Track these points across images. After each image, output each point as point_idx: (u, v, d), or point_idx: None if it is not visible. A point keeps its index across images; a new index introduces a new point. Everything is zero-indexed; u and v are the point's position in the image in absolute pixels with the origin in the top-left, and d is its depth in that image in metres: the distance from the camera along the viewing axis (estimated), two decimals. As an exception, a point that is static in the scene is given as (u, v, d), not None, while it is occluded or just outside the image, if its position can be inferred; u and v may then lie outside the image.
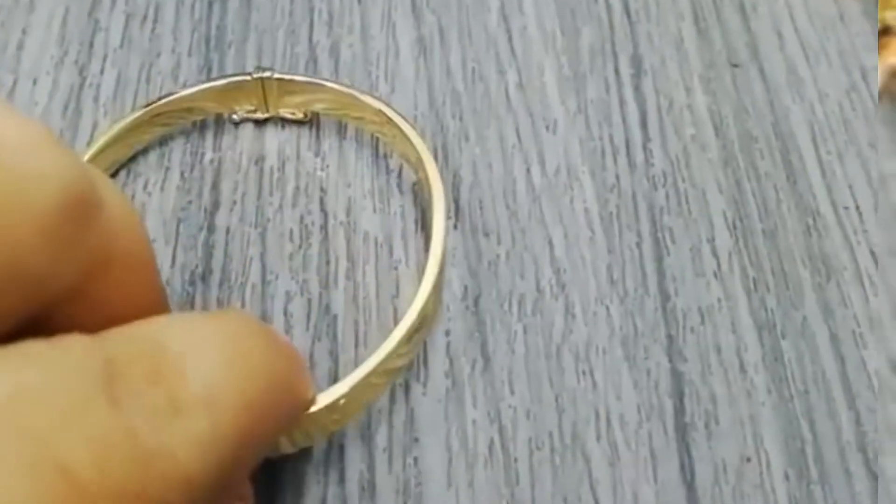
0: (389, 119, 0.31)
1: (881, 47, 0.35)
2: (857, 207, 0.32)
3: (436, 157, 0.33)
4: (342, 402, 0.25)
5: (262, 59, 0.35)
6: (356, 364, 0.28)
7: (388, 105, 0.31)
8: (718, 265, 0.31)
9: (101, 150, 0.31)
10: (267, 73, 0.32)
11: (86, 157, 0.31)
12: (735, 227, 0.32)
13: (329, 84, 0.32)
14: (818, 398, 0.29)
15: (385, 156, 0.33)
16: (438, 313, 0.29)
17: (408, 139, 0.31)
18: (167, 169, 0.32)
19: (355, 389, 0.25)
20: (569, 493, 0.27)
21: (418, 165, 0.30)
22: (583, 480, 0.27)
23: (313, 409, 0.24)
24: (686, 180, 0.33)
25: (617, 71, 0.35)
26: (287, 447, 0.25)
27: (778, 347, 0.29)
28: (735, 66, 0.36)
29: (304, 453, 0.27)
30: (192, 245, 0.31)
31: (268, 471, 0.27)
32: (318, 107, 0.33)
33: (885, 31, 0.35)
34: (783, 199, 0.32)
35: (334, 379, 0.28)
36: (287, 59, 0.35)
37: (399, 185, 0.32)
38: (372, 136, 0.33)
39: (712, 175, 0.33)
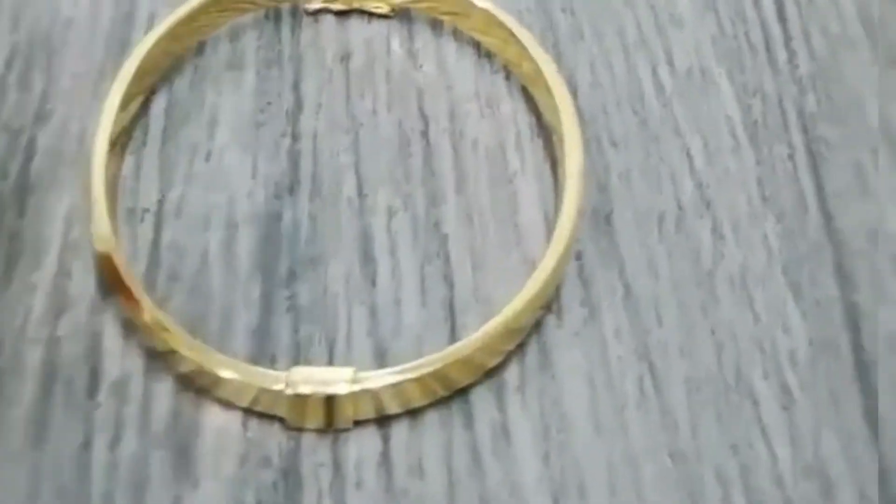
0: (499, 22, 0.27)
1: None
2: None
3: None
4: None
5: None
6: (475, 288, 0.24)
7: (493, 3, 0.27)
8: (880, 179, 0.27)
9: (161, 41, 0.27)
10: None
11: (143, 49, 0.26)
12: (898, 137, 0.28)
13: None
14: None
15: (489, 54, 0.28)
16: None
17: (525, 51, 0.26)
18: (240, 65, 0.28)
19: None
20: (739, 441, 0.23)
21: (542, 93, 0.26)
22: (752, 426, 0.23)
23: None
24: (837, 82, 0.28)
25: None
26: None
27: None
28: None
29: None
30: (275, 154, 0.26)
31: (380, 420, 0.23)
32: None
33: None
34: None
35: (450, 307, 0.24)
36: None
37: (508, 87, 0.28)
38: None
39: (867, 79, 0.29)
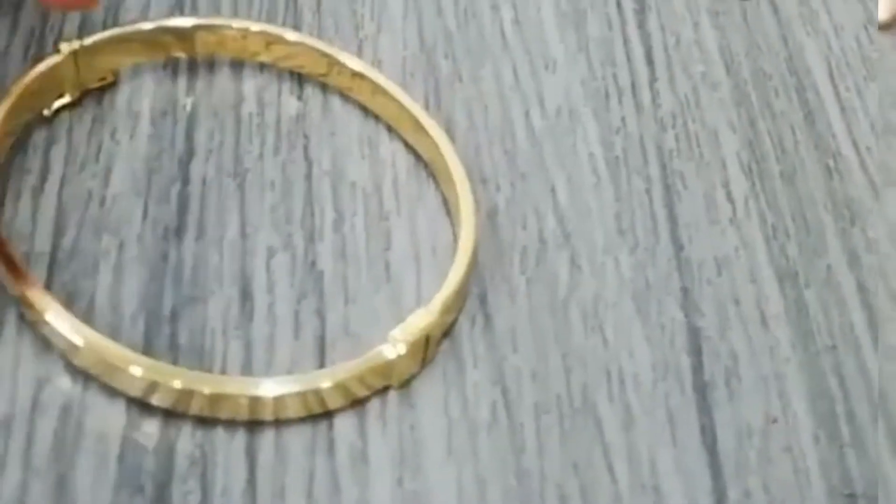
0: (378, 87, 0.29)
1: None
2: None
3: (426, 101, 0.30)
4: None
5: (237, -4, 0.32)
6: (345, 324, 0.26)
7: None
8: (734, 211, 0.29)
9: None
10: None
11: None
12: (750, 171, 0.30)
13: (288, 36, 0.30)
14: (847, 353, 0.26)
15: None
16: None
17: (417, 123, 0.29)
18: (137, 115, 0.30)
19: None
20: (580, 460, 0.25)
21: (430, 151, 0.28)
22: (595, 446, 0.25)
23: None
24: (696, 121, 0.30)
25: (619, 6, 0.33)
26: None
27: (801, 299, 0.27)
28: (745, -1, 0.33)
29: (289, 422, 0.25)
30: (165, 198, 0.28)
31: (251, 445, 0.24)
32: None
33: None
34: (801, 140, 0.30)
35: (321, 339, 0.26)
36: (264, -3, 0.32)
37: (388, 131, 0.30)
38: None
39: (724, 115, 0.31)
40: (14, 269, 0.25)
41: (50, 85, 0.29)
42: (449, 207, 0.28)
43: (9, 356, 0.25)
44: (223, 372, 0.25)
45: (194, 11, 0.31)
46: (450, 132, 0.29)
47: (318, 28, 0.32)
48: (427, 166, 0.29)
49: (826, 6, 0.33)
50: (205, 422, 0.24)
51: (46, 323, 0.25)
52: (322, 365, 0.26)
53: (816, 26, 0.33)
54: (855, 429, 0.25)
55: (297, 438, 0.25)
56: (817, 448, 0.25)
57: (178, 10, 0.31)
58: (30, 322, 0.25)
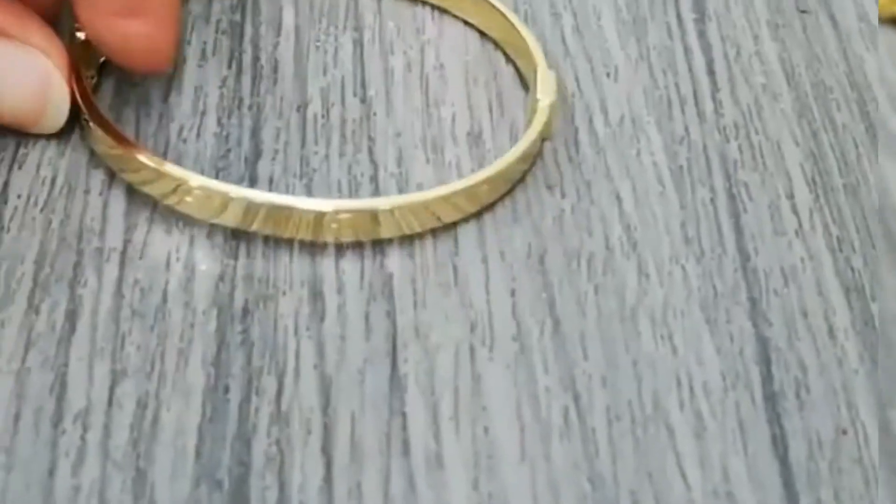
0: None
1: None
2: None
3: (490, 108, 0.31)
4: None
5: (299, -2, 0.32)
6: (416, 327, 0.26)
7: None
8: (799, 223, 0.29)
9: None
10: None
11: None
12: (814, 183, 0.30)
13: None
14: (915, 366, 0.27)
15: (437, 103, 0.31)
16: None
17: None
18: (203, 114, 0.30)
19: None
20: (653, 468, 0.25)
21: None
22: (667, 454, 0.25)
23: None
24: (759, 132, 0.31)
25: (679, 16, 0.33)
26: None
27: (867, 311, 0.27)
28: (803, 12, 0.33)
29: (364, 421, 0.25)
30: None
31: (327, 444, 0.25)
32: None
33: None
34: (863, 153, 0.30)
35: (393, 342, 0.26)
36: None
37: (453, 134, 0.30)
38: (422, 78, 0.31)
39: (787, 127, 0.31)
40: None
41: None
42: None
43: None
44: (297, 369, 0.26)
45: None
46: (513, 139, 0.30)
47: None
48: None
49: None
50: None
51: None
52: (394, 366, 0.26)
53: (875, 41, 0.33)
54: (925, 441, 0.26)
55: (371, 438, 0.25)
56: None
57: None
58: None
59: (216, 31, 0.32)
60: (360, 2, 0.33)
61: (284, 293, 0.27)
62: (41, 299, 0.26)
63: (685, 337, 0.27)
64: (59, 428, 0.24)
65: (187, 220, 0.27)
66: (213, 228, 0.27)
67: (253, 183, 0.29)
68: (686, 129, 0.30)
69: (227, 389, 0.25)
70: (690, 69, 0.32)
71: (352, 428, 0.25)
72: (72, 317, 0.26)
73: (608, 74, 0.31)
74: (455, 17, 0.32)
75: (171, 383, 0.25)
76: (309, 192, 0.29)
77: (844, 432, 0.25)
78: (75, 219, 0.27)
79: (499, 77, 0.31)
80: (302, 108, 0.30)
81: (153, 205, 0.28)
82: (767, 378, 0.26)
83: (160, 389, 0.25)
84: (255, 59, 0.31)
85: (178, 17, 0.28)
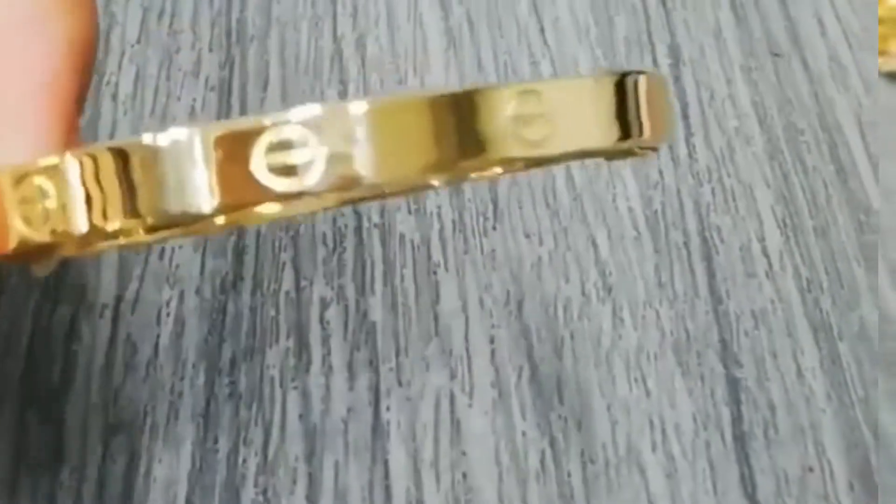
0: None
1: None
2: (911, 202, 0.31)
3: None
4: None
5: (285, 53, 0.33)
6: (398, 376, 0.27)
7: None
8: (770, 265, 0.30)
9: None
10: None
11: None
12: (785, 225, 0.31)
13: None
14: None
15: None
16: None
17: None
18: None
19: None
20: (626, 509, 0.26)
21: None
22: (640, 494, 0.26)
23: None
24: (732, 175, 0.32)
25: (655, 61, 0.34)
26: None
27: (835, 351, 0.28)
28: (776, 55, 0.34)
29: (347, 469, 0.26)
30: (221, 251, 0.29)
31: (311, 493, 0.26)
32: None
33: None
34: (833, 195, 0.31)
35: (375, 391, 0.27)
36: (312, 54, 0.33)
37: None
38: None
39: (759, 170, 0.32)
40: None
41: None
42: None
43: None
44: (283, 421, 0.27)
45: (243, 66, 0.33)
46: (493, 189, 0.31)
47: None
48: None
49: (856, 61, 0.34)
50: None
51: None
52: (377, 416, 0.27)
53: (847, 83, 0.34)
54: (890, 477, 0.26)
55: (355, 485, 0.26)
56: (853, 496, 0.26)
57: (229, 67, 0.33)
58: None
59: (205, 88, 0.33)
60: (345, 55, 0.34)
61: (271, 346, 0.28)
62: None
63: (658, 379, 0.28)
64: (57, 482, 0.25)
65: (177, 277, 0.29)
66: (202, 282, 0.29)
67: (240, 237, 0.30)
68: (661, 173, 0.31)
69: (216, 440, 0.26)
70: (665, 114, 0.33)
71: (335, 476, 0.26)
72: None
73: (585, 122, 0.32)
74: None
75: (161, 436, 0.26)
76: (296, 246, 0.30)
77: (811, 470, 0.26)
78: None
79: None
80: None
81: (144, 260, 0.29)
82: (737, 418, 0.27)
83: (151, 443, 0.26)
84: (243, 114, 0.32)
85: None
